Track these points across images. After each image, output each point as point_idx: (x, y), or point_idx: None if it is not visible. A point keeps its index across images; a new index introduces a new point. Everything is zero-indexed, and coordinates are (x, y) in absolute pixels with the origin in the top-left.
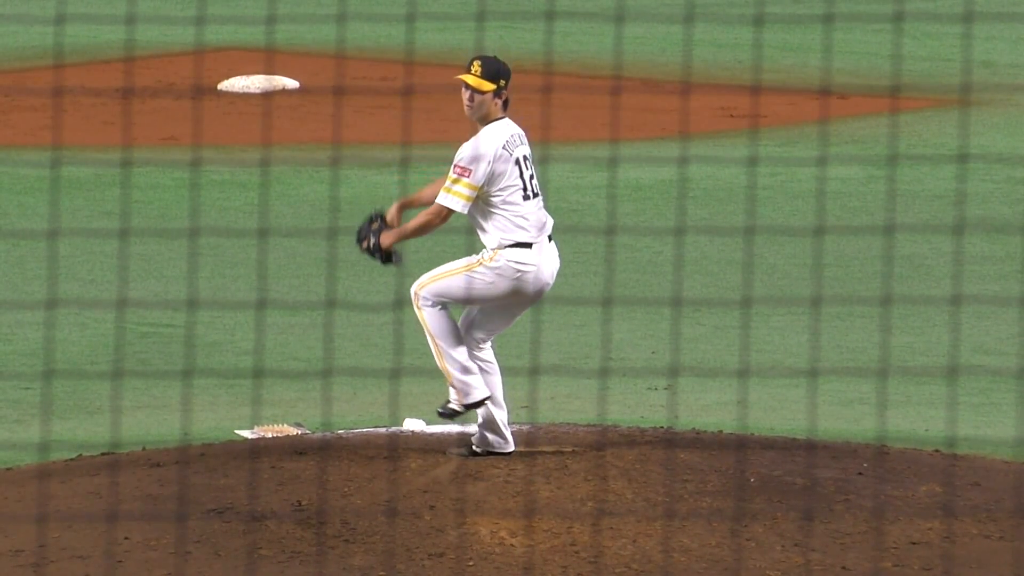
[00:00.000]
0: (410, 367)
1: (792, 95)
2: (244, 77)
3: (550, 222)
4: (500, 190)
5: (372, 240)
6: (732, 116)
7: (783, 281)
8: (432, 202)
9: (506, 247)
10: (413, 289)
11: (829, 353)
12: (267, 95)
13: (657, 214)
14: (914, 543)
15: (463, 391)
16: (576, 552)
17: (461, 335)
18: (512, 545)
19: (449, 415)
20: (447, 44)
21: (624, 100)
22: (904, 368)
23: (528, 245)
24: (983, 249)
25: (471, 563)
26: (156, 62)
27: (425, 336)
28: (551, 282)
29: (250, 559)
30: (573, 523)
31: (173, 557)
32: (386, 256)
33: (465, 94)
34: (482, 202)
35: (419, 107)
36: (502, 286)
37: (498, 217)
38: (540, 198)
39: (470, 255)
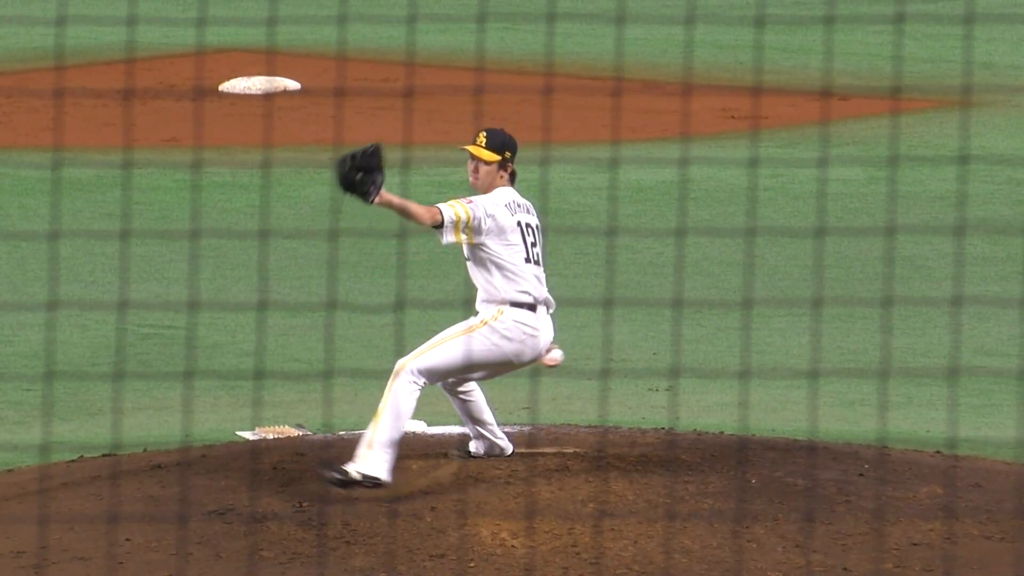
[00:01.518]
0: None
1: (793, 96)
2: (245, 78)
3: (551, 300)
4: (502, 246)
5: (375, 179)
6: (733, 117)
7: (784, 282)
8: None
9: (511, 306)
10: (401, 362)
11: (830, 354)
12: (268, 96)
13: (658, 215)
14: (915, 544)
15: (374, 462)
16: (577, 553)
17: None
18: (513, 546)
19: (339, 480)
20: (448, 45)
21: (625, 101)
22: (905, 369)
23: (532, 308)
24: (984, 250)
25: (472, 564)
26: (157, 63)
27: (380, 405)
28: (543, 354)
29: (251, 560)
30: (574, 524)
31: (174, 558)
32: (366, 182)
33: (470, 165)
34: (486, 258)
35: (420, 108)
36: (506, 349)
37: (502, 277)
38: (542, 270)
39: (462, 322)
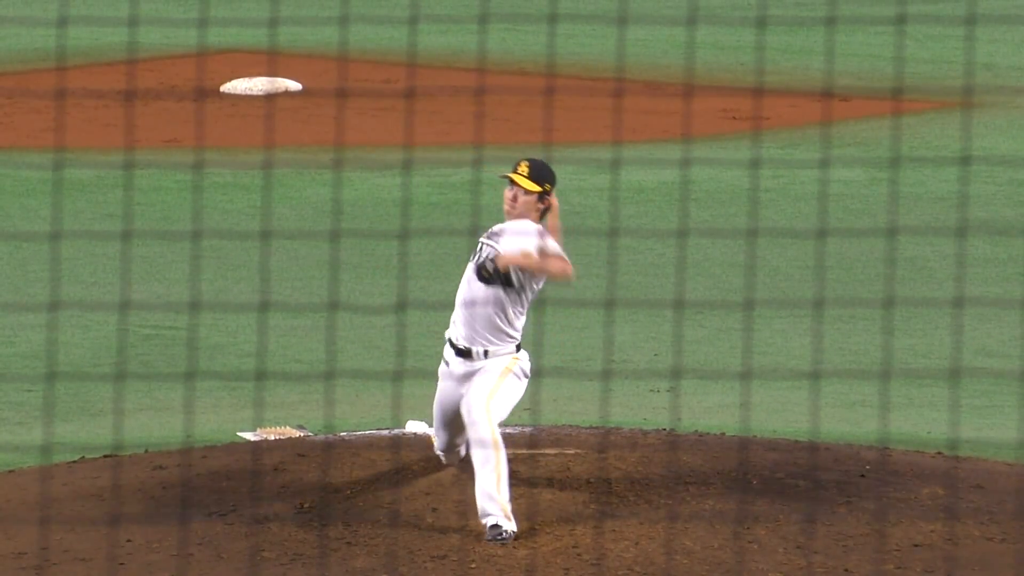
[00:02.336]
0: (412, 369)
1: (794, 97)
2: (247, 79)
3: None
4: (533, 287)
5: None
6: (734, 118)
7: (785, 283)
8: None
9: (520, 351)
10: (482, 415)
11: (831, 355)
12: (269, 97)
13: (659, 216)
14: (916, 545)
15: (495, 512)
16: (578, 554)
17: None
18: (514, 547)
19: (504, 535)
20: (450, 46)
21: (627, 102)
22: (906, 370)
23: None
24: (985, 251)
25: (473, 565)
26: (158, 64)
27: (484, 465)
28: None
29: (252, 561)
30: (575, 525)
31: (175, 559)
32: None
33: (508, 193)
34: (516, 293)
35: (421, 109)
36: (523, 389)
37: (519, 319)
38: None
39: (495, 357)
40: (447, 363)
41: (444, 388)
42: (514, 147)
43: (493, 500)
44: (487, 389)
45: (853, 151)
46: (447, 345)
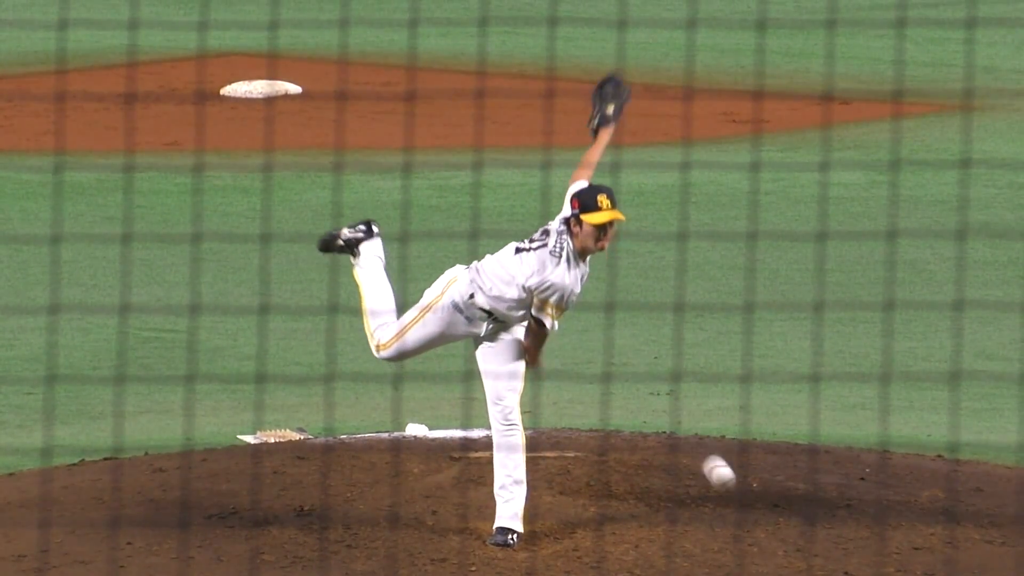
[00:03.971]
0: (412, 372)
1: (795, 100)
2: (247, 82)
3: None
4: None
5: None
6: (735, 121)
7: (785, 286)
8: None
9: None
10: (516, 416)
11: (831, 358)
12: (270, 100)
13: (660, 219)
14: (916, 548)
15: (510, 517)
16: (579, 557)
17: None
18: (514, 550)
19: (504, 541)
20: (450, 49)
21: (626, 105)
22: (906, 373)
23: None
24: (986, 254)
25: (473, 568)
26: (159, 67)
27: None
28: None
29: (252, 564)
30: (575, 528)
31: (175, 562)
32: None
33: (605, 233)
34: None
35: (422, 112)
36: None
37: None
38: None
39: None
40: (472, 324)
41: (455, 323)
42: (514, 150)
43: (513, 501)
44: (516, 388)
45: (853, 154)
46: (475, 306)
